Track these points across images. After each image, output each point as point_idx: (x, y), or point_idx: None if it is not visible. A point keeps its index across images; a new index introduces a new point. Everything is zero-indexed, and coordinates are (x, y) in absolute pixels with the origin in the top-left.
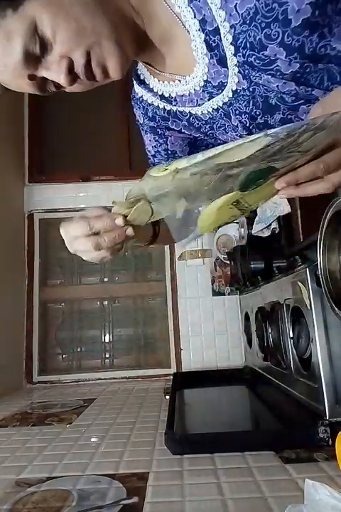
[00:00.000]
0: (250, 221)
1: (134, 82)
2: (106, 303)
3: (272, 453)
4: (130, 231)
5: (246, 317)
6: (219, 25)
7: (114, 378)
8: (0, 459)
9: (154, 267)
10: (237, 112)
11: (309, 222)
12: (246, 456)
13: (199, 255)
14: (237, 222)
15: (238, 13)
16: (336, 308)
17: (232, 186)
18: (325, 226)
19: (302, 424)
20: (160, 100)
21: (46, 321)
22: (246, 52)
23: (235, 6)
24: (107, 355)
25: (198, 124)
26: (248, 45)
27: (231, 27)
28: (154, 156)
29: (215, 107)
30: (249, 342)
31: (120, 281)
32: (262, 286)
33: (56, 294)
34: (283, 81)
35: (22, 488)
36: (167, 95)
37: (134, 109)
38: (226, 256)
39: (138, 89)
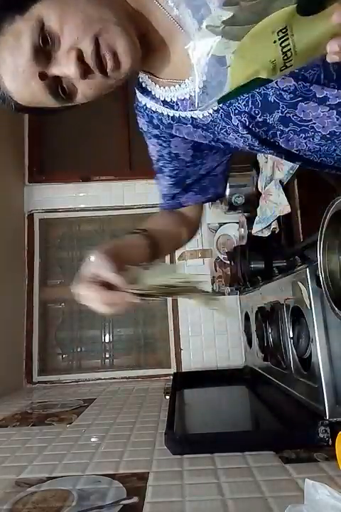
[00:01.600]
0: (250, 221)
1: (136, 90)
2: None
3: (272, 453)
4: (138, 300)
5: (246, 317)
6: None
7: (114, 378)
8: (0, 459)
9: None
10: (237, 111)
11: (309, 222)
12: (246, 456)
13: (199, 255)
14: (237, 222)
15: None
16: (336, 308)
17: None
18: (325, 226)
19: (302, 424)
20: (163, 106)
21: (46, 321)
22: None
23: None
24: (107, 355)
25: (201, 131)
26: None
27: None
28: (158, 160)
29: (215, 108)
30: (249, 342)
31: None
32: (262, 286)
33: (56, 294)
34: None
35: (22, 488)
36: (169, 100)
37: (138, 118)
38: (226, 256)
39: (141, 98)
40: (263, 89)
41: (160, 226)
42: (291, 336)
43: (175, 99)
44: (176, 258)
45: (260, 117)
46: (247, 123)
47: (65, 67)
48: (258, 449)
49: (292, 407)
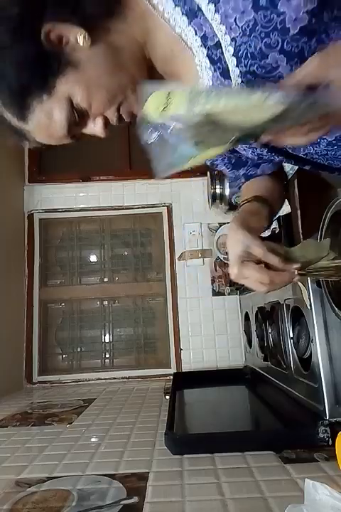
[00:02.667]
0: None
1: None
2: (106, 303)
3: (272, 453)
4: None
5: (246, 317)
6: (220, 40)
7: (114, 378)
8: (0, 459)
9: (154, 267)
10: None
11: (309, 222)
12: (246, 456)
13: (199, 255)
14: None
15: (238, 27)
16: (336, 308)
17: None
18: (324, 226)
19: (302, 424)
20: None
21: (46, 321)
22: (247, 62)
23: (235, 20)
24: (107, 355)
25: None
26: (249, 55)
27: (232, 40)
28: (212, 163)
29: None
30: (249, 342)
31: (120, 281)
32: None
33: (56, 294)
34: None
35: (22, 488)
36: None
37: None
38: (226, 256)
39: None
40: None
41: (265, 189)
42: (291, 336)
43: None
44: (176, 258)
45: None
46: None
47: (93, 128)
48: (258, 449)
49: (292, 407)
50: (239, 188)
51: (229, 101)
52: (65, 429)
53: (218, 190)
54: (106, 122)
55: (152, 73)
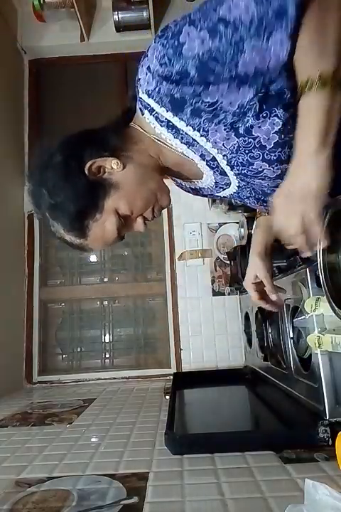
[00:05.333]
0: (250, 221)
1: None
2: (106, 303)
3: (272, 453)
4: None
5: (246, 317)
6: (215, 156)
7: (114, 378)
8: (0, 459)
9: (154, 267)
10: (245, 196)
11: None
12: (246, 456)
13: (200, 255)
14: (237, 222)
15: (226, 148)
16: (336, 308)
17: None
18: (324, 226)
19: (303, 424)
20: (191, 191)
21: (46, 321)
22: (239, 168)
23: (222, 144)
24: (107, 355)
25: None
26: (239, 164)
27: (223, 156)
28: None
29: (229, 194)
30: (249, 342)
31: (120, 281)
32: None
33: (56, 294)
34: (272, 180)
35: (22, 488)
36: (193, 187)
37: None
38: (226, 256)
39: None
40: (260, 186)
41: None
42: (291, 335)
43: (198, 188)
44: (176, 258)
45: (264, 198)
46: (256, 202)
47: (135, 228)
48: (258, 449)
49: (292, 407)
50: None
51: None
52: (65, 429)
53: None
54: (145, 220)
55: (167, 171)
